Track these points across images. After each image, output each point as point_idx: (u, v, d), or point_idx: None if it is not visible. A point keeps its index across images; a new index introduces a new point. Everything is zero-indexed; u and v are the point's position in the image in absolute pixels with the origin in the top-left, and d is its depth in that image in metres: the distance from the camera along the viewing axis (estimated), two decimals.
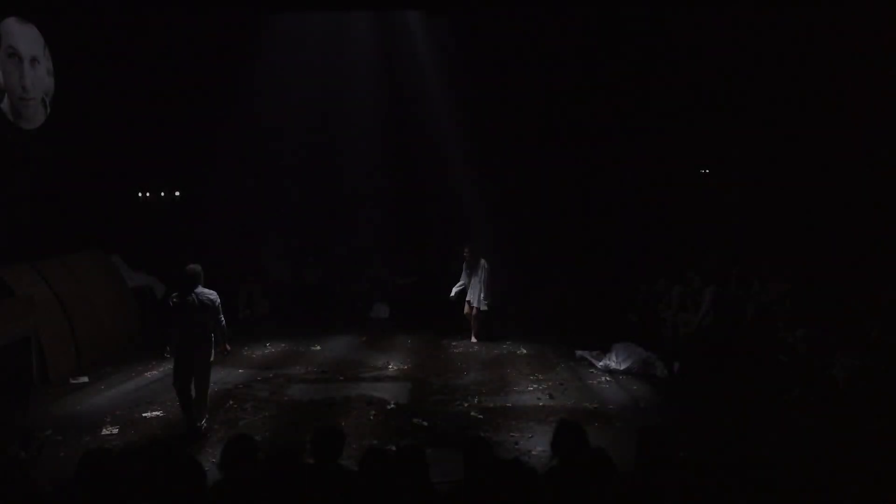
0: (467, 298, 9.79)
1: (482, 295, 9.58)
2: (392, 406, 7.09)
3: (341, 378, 8.14)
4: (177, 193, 12.40)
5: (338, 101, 12.54)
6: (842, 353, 6.97)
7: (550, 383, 7.78)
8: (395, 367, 8.59)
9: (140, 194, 12.07)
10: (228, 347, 6.53)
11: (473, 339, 9.73)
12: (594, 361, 8.47)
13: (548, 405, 7.06)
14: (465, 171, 12.24)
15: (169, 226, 11.64)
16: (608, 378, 8.01)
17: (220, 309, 6.32)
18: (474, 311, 9.70)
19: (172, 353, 6.33)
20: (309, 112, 12.34)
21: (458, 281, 9.93)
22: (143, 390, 7.70)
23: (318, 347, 9.61)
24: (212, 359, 6.37)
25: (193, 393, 6.27)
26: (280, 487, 3.53)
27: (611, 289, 10.92)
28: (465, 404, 7.12)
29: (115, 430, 6.48)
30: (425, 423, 6.59)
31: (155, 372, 8.21)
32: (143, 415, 6.91)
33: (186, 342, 6.21)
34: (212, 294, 6.28)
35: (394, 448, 4.01)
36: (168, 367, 7.12)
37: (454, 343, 9.79)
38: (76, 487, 3.44)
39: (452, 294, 9.92)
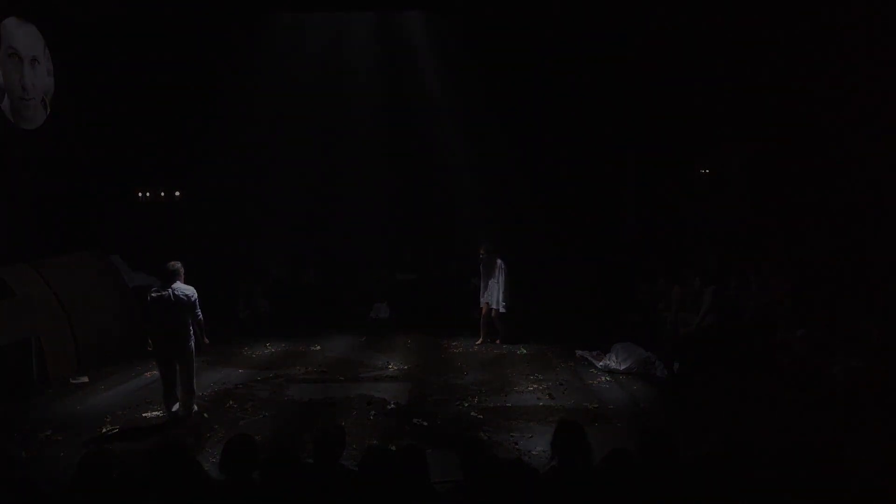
0: (484, 300, 9.65)
1: (500, 296, 9.46)
2: (392, 406, 7.09)
3: (341, 378, 8.14)
4: (177, 193, 12.40)
5: (338, 101, 12.54)
6: (842, 354, 6.97)
7: (550, 383, 7.78)
8: (395, 367, 8.59)
9: (140, 194, 12.07)
10: (207, 340, 6.81)
11: (497, 341, 9.65)
12: (594, 361, 8.47)
13: (548, 405, 7.06)
14: (466, 170, 12.25)
15: (169, 226, 11.64)
16: (608, 378, 8.01)
17: (197, 304, 6.59)
18: (493, 312, 9.61)
19: (154, 346, 6.66)
20: (309, 111, 12.34)
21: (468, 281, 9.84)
22: (143, 390, 7.71)
23: (318, 347, 9.62)
24: (192, 351, 6.65)
25: (179, 381, 6.63)
26: (280, 487, 3.53)
27: (611, 289, 10.92)
28: (465, 404, 7.12)
29: (115, 430, 6.49)
30: (425, 423, 6.59)
31: (155, 372, 8.18)
32: (143, 415, 6.91)
33: (165, 335, 6.53)
34: (188, 290, 6.55)
35: (394, 448, 4.01)
36: None
37: (454, 343, 9.79)
38: (76, 487, 3.44)
39: (482, 303, 9.74)
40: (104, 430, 6.48)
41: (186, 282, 6.64)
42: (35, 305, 8.03)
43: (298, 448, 5.64)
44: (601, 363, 8.38)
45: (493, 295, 9.50)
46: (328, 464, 3.77)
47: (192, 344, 6.64)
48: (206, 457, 5.55)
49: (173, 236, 11.02)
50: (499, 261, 9.49)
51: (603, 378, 8.02)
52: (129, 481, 3.52)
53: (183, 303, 6.48)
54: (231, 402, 7.24)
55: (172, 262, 6.61)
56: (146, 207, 12.09)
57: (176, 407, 6.67)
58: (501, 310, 9.49)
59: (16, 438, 6.22)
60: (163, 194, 12.26)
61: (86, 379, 8.12)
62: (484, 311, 9.70)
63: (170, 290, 6.48)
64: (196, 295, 6.57)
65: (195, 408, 6.77)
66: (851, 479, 4.20)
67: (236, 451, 3.64)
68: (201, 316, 6.65)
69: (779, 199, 10.41)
